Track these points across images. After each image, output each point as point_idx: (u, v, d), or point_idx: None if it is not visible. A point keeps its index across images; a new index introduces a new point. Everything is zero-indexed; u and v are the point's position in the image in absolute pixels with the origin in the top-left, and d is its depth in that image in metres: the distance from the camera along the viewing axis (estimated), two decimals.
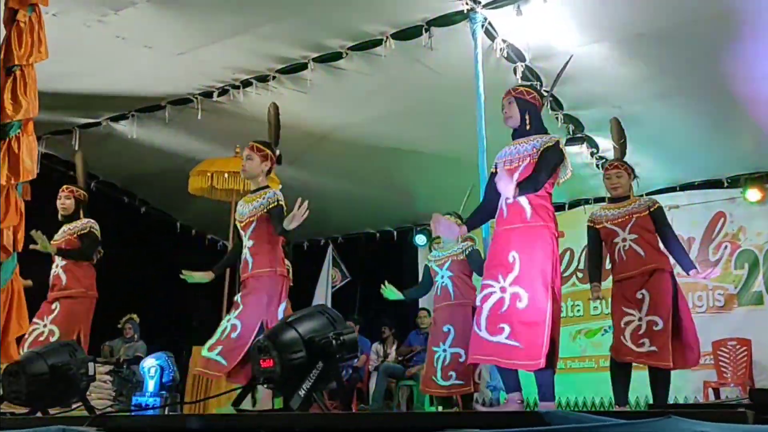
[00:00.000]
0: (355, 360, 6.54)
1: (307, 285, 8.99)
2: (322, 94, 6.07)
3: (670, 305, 4.29)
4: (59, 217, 5.43)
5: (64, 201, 5.42)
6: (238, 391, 2.89)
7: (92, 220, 5.44)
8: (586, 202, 7.98)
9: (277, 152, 4.57)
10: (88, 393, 3.52)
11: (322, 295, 8.72)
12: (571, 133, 6.57)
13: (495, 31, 5.31)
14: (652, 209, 4.56)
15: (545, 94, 5.89)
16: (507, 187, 3.54)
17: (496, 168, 3.83)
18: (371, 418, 2.63)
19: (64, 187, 5.51)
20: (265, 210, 4.26)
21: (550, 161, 3.65)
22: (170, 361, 6.38)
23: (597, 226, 4.68)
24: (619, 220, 4.60)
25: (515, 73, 5.63)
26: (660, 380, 4.24)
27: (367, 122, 6.57)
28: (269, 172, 4.55)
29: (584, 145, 6.84)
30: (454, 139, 6.34)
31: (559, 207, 6.45)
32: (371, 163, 7.29)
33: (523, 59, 5.60)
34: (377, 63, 5.59)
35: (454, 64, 5.51)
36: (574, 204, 8.07)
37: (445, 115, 6.18)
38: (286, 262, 6.13)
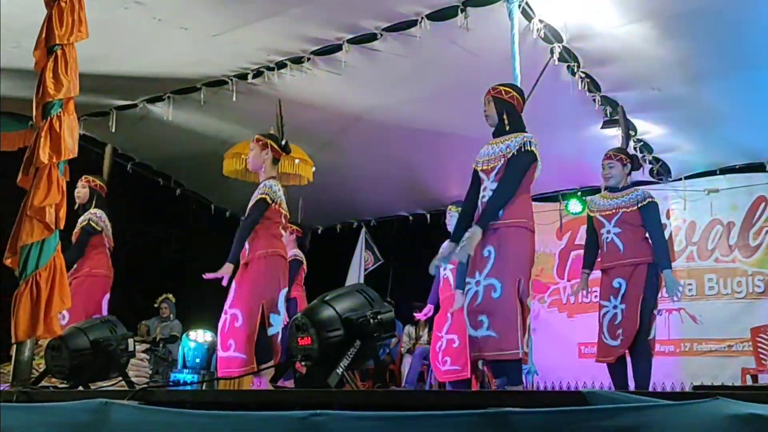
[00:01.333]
0: (392, 339, 6.59)
1: (340, 268, 9.03)
2: (357, 76, 6.05)
3: (640, 296, 4.41)
4: (75, 206, 5.49)
5: (80, 190, 5.56)
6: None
7: (96, 212, 5.48)
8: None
9: (283, 141, 4.60)
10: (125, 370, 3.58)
11: (354, 278, 8.75)
12: (608, 115, 6.46)
13: (532, 11, 5.22)
14: (641, 204, 4.60)
15: (583, 75, 5.88)
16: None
17: (476, 166, 3.91)
18: (410, 395, 2.63)
19: (83, 176, 5.59)
20: (254, 201, 4.39)
21: (518, 167, 3.70)
22: (207, 338, 6.50)
23: (591, 214, 4.79)
24: (607, 212, 4.70)
25: (552, 53, 5.54)
26: (640, 367, 4.36)
27: (401, 104, 6.53)
28: (276, 161, 4.59)
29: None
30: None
31: (595, 190, 6.36)
32: (405, 145, 7.25)
33: (560, 40, 5.50)
34: (412, 44, 5.54)
35: (489, 45, 5.43)
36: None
37: (481, 97, 6.10)
38: (298, 251, 6.16)
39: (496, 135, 3.89)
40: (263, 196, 4.35)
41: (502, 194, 3.65)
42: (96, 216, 5.50)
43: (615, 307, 4.50)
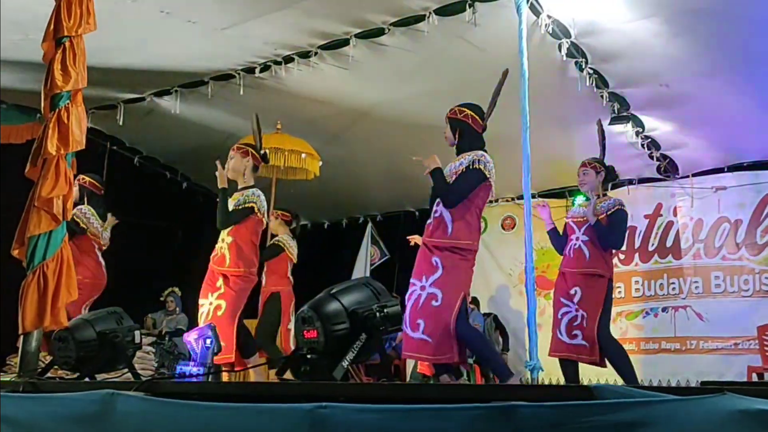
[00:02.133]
0: (398, 334, 6.59)
1: (345, 262, 9.03)
2: (364, 71, 6.03)
3: (601, 305, 4.67)
4: None
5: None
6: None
7: (82, 207, 5.55)
8: (630, 182, 7.86)
9: (262, 151, 4.96)
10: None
11: (360, 273, 8.74)
12: (615, 111, 6.44)
13: (540, 6, 5.20)
14: (610, 212, 4.88)
15: (591, 71, 5.85)
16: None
17: None
18: (416, 389, 2.63)
19: (79, 176, 5.61)
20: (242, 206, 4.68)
21: (465, 181, 3.98)
22: (212, 331, 6.51)
23: (566, 220, 5.17)
24: (578, 219, 5.01)
25: (560, 49, 5.51)
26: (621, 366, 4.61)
27: (408, 99, 6.52)
28: (256, 169, 4.90)
29: (629, 125, 6.71)
30: (497, 117, 6.24)
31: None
32: (412, 140, 7.21)
33: (568, 35, 5.47)
34: (420, 39, 5.52)
35: (497, 41, 5.41)
36: (617, 185, 7.93)
37: (488, 93, 6.07)
38: (281, 237, 6.15)
39: (456, 153, 4.21)
40: (251, 204, 4.65)
41: (445, 195, 3.97)
42: (80, 212, 5.52)
43: (577, 309, 4.73)
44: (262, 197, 4.71)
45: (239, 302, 4.40)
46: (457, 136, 4.19)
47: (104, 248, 5.67)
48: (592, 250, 4.81)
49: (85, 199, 5.68)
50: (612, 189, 7.80)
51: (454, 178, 4.03)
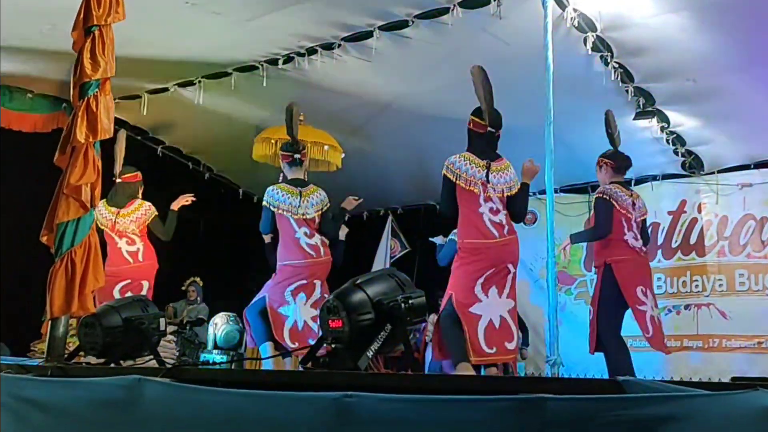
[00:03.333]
0: (423, 324, 6.59)
1: (366, 255, 9.04)
2: (387, 63, 6.02)
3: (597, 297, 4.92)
4: None
5: None
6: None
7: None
8: (654, 178, 7.78)
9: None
10: None
11: (380, 265, 8.75)
12: (641, 106, 6.37)
13: None
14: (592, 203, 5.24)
15: (616, 65, 5.80)
16: None
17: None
18: (443, 380, 2.63)
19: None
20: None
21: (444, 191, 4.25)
22: (234, 320, 6.59)
23: None
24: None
25: (585, 43, 5.47)
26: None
27: (431, 92, 6.50)
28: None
29: (654, 120, 6.64)
30: (520, 111, 6.20)
31: (626, 183, 6.29)
32: (434, 133, 7.22)
33: (594, 29, 5.43)
34: (444, 32, 5.50)
35: (522, 34, 5.37)
36: (641, 180, 7.88)
37: (512, 86, 6.04)
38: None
39: None
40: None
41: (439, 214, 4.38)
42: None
43: None
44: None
45: None
46: (468, 143, 4.44)
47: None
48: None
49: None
50: (636, 185, 7.79)
51: None
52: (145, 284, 5.79)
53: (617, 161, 5.22)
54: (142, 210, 6.02)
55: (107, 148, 5.35)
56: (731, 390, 1.62)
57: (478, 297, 3.98)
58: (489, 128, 4.34)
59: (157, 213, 6.06)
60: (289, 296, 4.63)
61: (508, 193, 4.34)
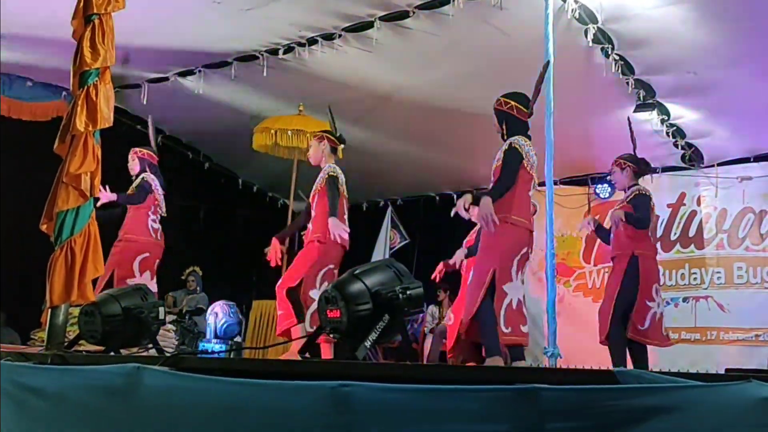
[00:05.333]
0: (421, 315, 6.62)
1: (365, 245, 9.04)
2: (388, 54, 6.01)
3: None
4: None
5: (130, 163, 6.00)
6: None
7: (149, 174, 5.91)
8: (654, 171, 7.77)
9: (338, 134, 5.51)
10: None
11: (380, 256, 8.75)
12: (641, 99, 6.37)
13: None
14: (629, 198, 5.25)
15: (617, 57, 5.79)
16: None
17: None
18: (440, 370, 2.64)
19: (132, 149, 6.04)
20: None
21: (504, 166, 4.13)
22: (233, 310, 6.63)
23: None
24: None
25: (586, 35, 5.46)
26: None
27: (431, 83, 6.49)
28: (334, 150, 5.35)
29: (654, 112, 6.63)
30: None
31: None
32: (434, 124, 7.22)
33: (595, 21, 5.41)
34: (444, 23, 5.48)
35: (523, 25, 5.36)
36: (641, 173, 7.87)
37: (512, 78, 5.99)
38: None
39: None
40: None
41: (493, 189, 4.07)
42: (149, 177, 5.90)
43: None
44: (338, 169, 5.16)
45: None
46: (504, 127, 4.32)
47: (162, 215, 5.96)
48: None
49: (147, 169, 5.96)
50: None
51: (497, 166, 4.22)
52: (157, 263, 5.84)
53: (640, 165, 5.36)
54: None
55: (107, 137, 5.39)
56: (725, 381, 1.64)
57: (512, 276, 4.00)
58: (529, 116, 4.35)
59: None
60: None
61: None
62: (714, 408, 1.58)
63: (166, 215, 6.03)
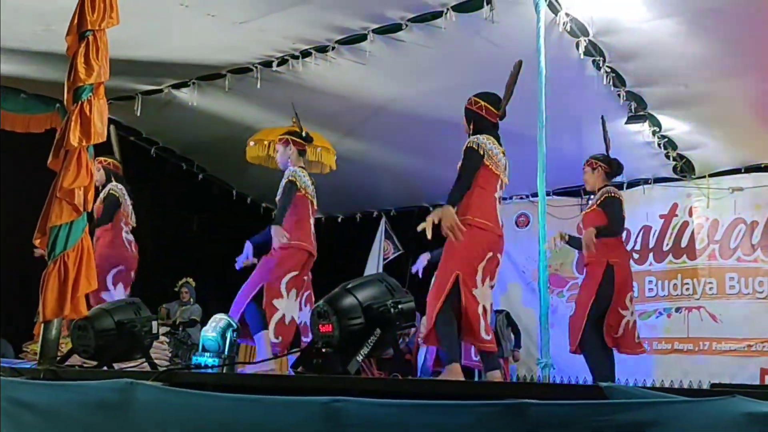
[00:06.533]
0: (413, 329, 6.59)
1: (358, 257, 9.07)
2: (381, 66, 6.06)
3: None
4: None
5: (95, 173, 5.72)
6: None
7: (117, 184, 5.73)
8: (645, 182, 7.84)
9: (303, 133, 5.30)
10: None
11: (373, 267, 8.79)
12: (632, 110, 6.42)
13: (558, 4, 5.20)
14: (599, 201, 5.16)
15: (608, 70, 5.84)
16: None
17: None
18: (430, 384, 2.66)
19: (95, 159, 5.72)
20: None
21: (462, 165, 4.03)
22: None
23: None
24: None
25: (578, 47, 5.52)
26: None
27: (425, 95, 6.54)
28: (302, 153, 5.22)
29: (646, 124, 6.69)
30: (514, 114, 6.26)
31: (618, 186, 6.34)
32: (427, 136, 7.25)
33: (586, 34, 5.47)
34: (437, 35, 5.53)
35: (515, 38, 5.40)
36: (633, 184, 7.94)
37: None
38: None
39: None
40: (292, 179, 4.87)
41: (450, 194, 3.98)
42: (117, 187, 5.72)
43: None
44: (299, 172, 4.99)
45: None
46: (471, 126, 4.22)
47: (132, 227, 5.80)
48: None
49: (112, 179, 5.82)
50: (627, 188, 7.85)
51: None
52: (132, 275, 5.74)
53: (612, 166, 5.27)
54: None
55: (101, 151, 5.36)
56: (709, 397, 1.66)
57: (477, 282, 3.82)
58: (499, 119, 4.25)
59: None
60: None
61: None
62: (697, 424, 1.60)
63: (136, 225, 5.88)
